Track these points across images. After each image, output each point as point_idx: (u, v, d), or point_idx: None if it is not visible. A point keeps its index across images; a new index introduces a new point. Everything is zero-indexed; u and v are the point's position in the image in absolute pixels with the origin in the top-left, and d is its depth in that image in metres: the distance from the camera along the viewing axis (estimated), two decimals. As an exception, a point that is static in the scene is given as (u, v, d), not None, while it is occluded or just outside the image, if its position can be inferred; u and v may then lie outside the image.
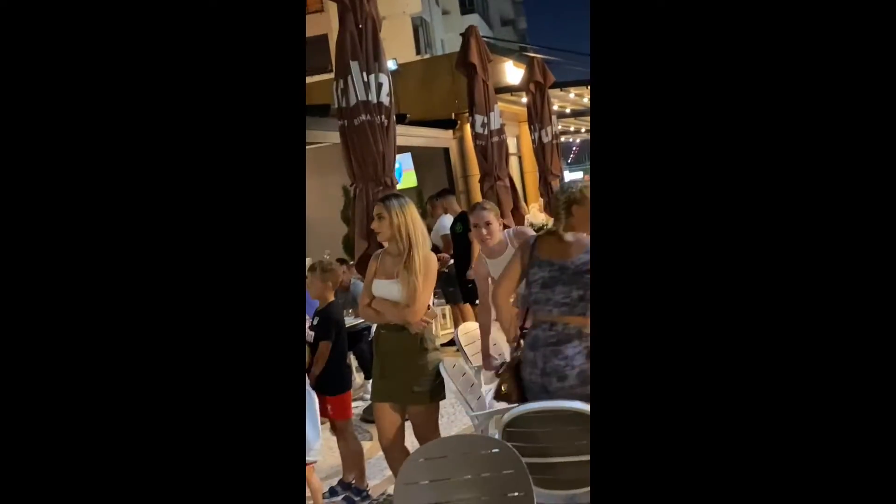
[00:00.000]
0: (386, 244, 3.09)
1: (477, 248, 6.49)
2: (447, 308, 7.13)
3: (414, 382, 2.99)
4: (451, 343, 4.89)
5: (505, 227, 4.05)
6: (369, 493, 3.64)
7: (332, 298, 3.69)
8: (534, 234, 3.93)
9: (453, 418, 4.43)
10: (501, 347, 4.04)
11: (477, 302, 6.42)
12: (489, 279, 3.74)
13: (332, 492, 3.65)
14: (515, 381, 2.63)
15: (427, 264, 2.98)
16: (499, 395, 2.72)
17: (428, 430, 3.01)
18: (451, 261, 6.59)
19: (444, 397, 3.10)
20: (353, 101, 4.46)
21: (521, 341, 2.73)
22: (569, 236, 2.59)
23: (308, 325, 3.66)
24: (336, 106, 4.61)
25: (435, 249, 6.49)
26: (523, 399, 2.58)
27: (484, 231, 3.58)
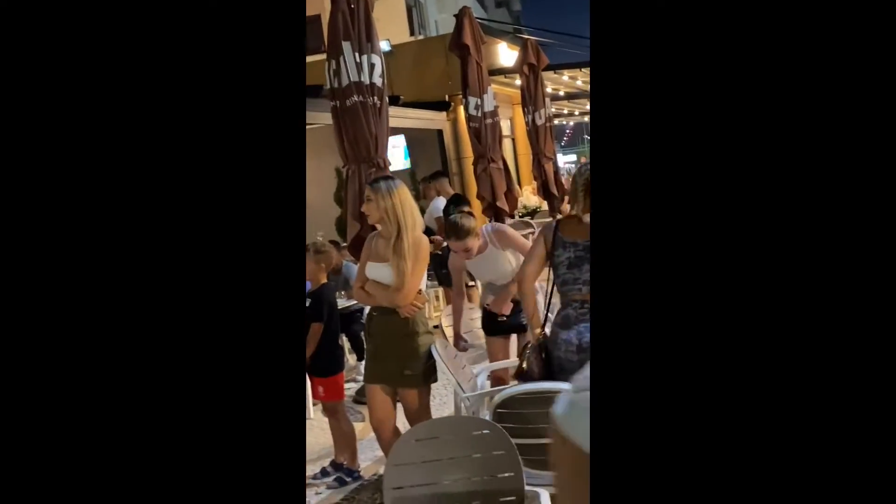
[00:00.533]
0: (378, 227, 3.09)
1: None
2: (440, 290, 7.14)
3: (405, 366, 3.00)
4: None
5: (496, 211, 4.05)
6: (361, 473, 3.66)
7: (324, 280, 3.69)
8: (507, 227, 3.93)
9: (445, 399, 4.45)
10: (475, 331, 4.09)
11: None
12: (464, 272, 3.77)
13: (324, 472, 3.67)
14: (540, 361, 2.65)
15: (417, 247, 2.98)
16: (520, 374, 2.73)
17: (419, 412, 3.02)
18: (445, 243, 6.59)
19: (435, 380, 3.12)
20: (345, 82, 4.43)
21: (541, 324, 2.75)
22: (587, 217, 2.61)
23: (300, 306, 3.65)
24: (328, 87, 4.57)
25: (429, 232, 6.52)
26: (547, 377, 2.61)
27: (465, 254, 3.57)
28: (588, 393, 0.84)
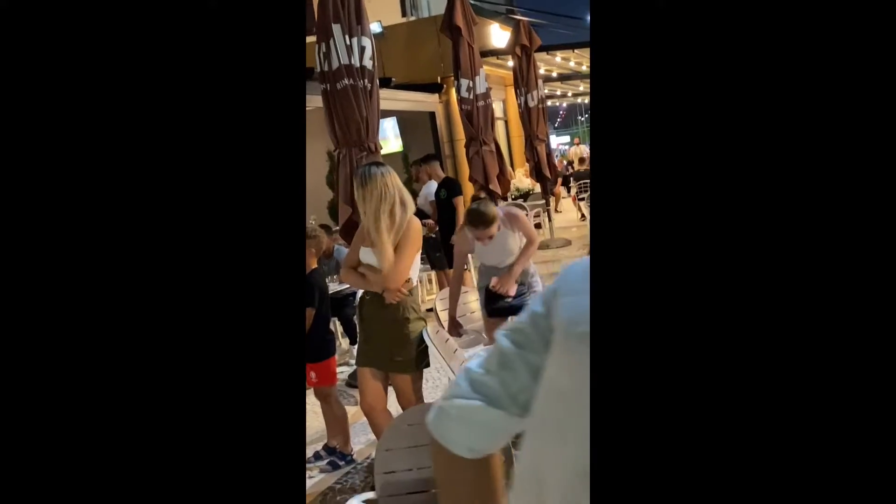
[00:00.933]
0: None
1: (462, 215, 6.50)
2: (433, 273, 7.14)
3: (397, 350, 3.00)
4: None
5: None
6: (354, 457, 3.68)
7: (314, 265, 3.68)
8: (518, 210, 3.95)
9: (437, 383, 4.47)
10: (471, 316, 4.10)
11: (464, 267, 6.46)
12: (469, 255, 3.76)
13: (317, 456, 3.69)
14: None
15: (408, 230, 2.97)
16: None
17: (411, 397, 3.03)
18: (437, 227, 6.58)
19: (427, 365, 3.12)
20: (335, 65, 4.40)
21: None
22: None
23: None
24: (318, 70, 4.54)
25: (422, 215, 6.51)
26: None
27: (488, 240, 3.60)
28: (458, 400, 0.87)
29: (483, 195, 3.86)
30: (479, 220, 3.57)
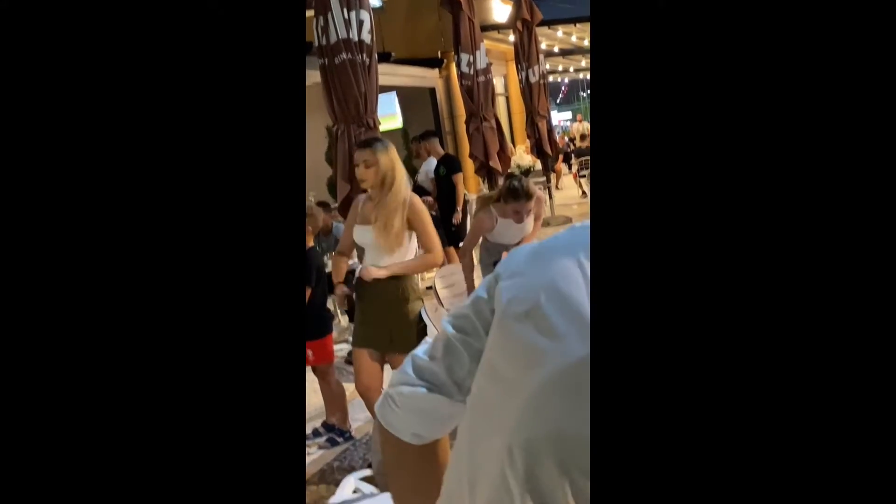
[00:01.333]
0: (371, 190, 3.02)
1: (462, 192, 6.47)
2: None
3: (396, 332, 2.99)
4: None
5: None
6: (352, 434, 3.68)
7: (311, 243, 3.67)
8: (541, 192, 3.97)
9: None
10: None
11: (462, 245, 6.44)
12: (485, 235, 3.76)
13: (316, 433, 3.70)
14: None
15: (413, 207, 2.98)
16: None
17: None
18: (437, 204, 6.55)
19: (425, 343, 3.11)
20: (333, 39, 4.34)
21: None
22: None
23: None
24: (316, 44, 4.49)
25: (423, 192, 6.48)
26: None
27: (524, 216, 3.62)
28: (403, 387, 0.86)
29: (513, 172, 3.93)
30: (525, 193, 3.63)
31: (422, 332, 3.05)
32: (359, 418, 3.85)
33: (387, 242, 2.93)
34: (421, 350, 0.88)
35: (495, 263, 3.91)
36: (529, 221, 3.84)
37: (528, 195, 3.64)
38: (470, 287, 3.86)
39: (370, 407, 3.16)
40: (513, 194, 3.65)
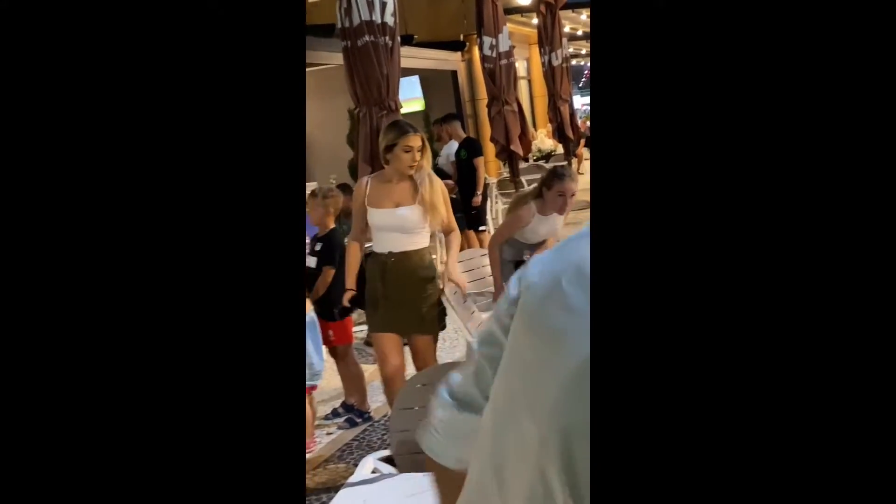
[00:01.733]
0: (412, 173, 2.98)
1: (482, 176, 6.46)
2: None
3: (427, 312, 2.97)
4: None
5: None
6: (371, 415, 3.72)
7: (332, 225, 3.68)
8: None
9: (455, 343, 4.49)
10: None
11: (481, 229, 6.44)
12: (524, 227, 3.76)
13: (335, 413, 3.74)
14: None
15: (440, 187, 3.03)
16: None
17: (428, 358, 3.03)
18: (457, 188, 6.54)
19: (444, 326, 3.12)
20: (356, 21, 4.34)
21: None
22: None
23: (308, 250, 3.66)
24: (339, 26, 4.48)
25: (444, 175, 6.47)
26: None
27: (568, 200, 3.62)
28: (442, 412, 0.86)
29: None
30: (570, 174, 3.71)
31: (442, 313, 3.06)
32: (378, 399, 3.88)
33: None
34: (455, 375, 0.87)
35: (516, 263, 3.91)
36: (560, 219, 3.82)
37: (572, 176, 3.71)
38: (498, 284, 3.82)
39: (393, 392, 3.12)
40: (558, 176, 3.67)
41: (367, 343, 4.97)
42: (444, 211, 3.02)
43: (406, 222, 2.95)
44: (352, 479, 1.80)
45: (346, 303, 3.20)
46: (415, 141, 2.93)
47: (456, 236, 3.14)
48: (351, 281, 3.16)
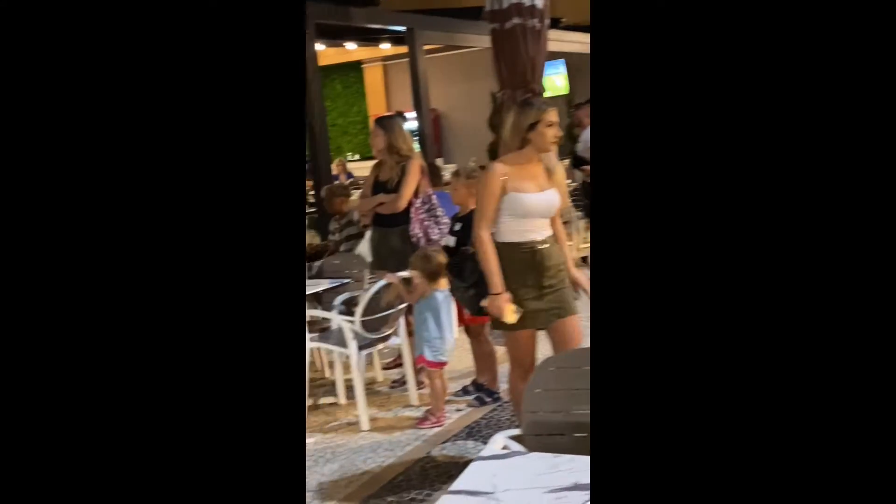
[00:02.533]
0: (546, 156, 2.88)
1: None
2: (585, 221, 7.02)
3: (567, 293, 2.92)
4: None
5: None
6: (500, 395, 3.75)
7: (473, 205, 3.72)
8: None
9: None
10: None
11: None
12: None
13: (465, 391, 3.80)
14: None
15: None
16: None
17: (578, 336, 2.91)
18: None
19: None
20: (505, 4, 4.35)
21: None
22: None
23: (447, 228, 3.74)
24: (488, 9, 4.51)
25: (582, 161, 6.37)
26: None
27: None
28: None
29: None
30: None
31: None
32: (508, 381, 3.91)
33: (564, 206, 2.96)
34: None
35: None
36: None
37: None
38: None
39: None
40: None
41: (495, 327, 5.00)
42: (564, 195, 3.01)
43: (552, 206, 2.87)
44: (483, 453, 1.84)
45: (499, 311, 2.78)
46: (554, 115, 2.87)
47: (561, 222, 3.07)
48: (498, 280, 2.77)
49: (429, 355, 3.47)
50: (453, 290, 3.49)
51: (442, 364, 3.52)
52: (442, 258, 3.46)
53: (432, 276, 3.43)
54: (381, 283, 3.60)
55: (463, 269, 3.28)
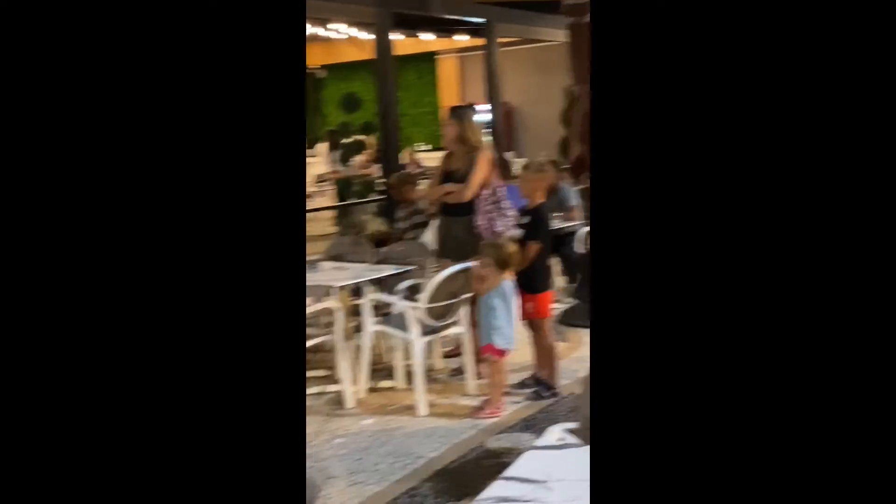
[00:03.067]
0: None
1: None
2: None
3: None
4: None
5: None
6: (558, 391, 3.74)
7: (541, 199, 3.72)
8: None
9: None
10: None
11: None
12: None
13: (523, 384, 3.81)
14: None
15: None
16: None
17: None
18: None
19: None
20: (584, -2, 4.30)
21: None
22: None
23: (516, 221, 3.75)
24: (565, 3, 4.47)
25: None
26: None
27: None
28: None
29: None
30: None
31: None
32: (567, 377, 3.90)
33: None
34: None
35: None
36: None
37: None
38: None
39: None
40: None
41: (561, 322, 4.99)
42: None
43: None
44: (538, 443, 1.85)
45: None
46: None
47: None
48: None
49: (499, 342, 3.49)
50: (519, 283, 3.51)
51: (502, 355, 3.54)
52: (512, 247, 3.49)
53: (502, 265, 3.45)
54: (451, 269, 3.64)
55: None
